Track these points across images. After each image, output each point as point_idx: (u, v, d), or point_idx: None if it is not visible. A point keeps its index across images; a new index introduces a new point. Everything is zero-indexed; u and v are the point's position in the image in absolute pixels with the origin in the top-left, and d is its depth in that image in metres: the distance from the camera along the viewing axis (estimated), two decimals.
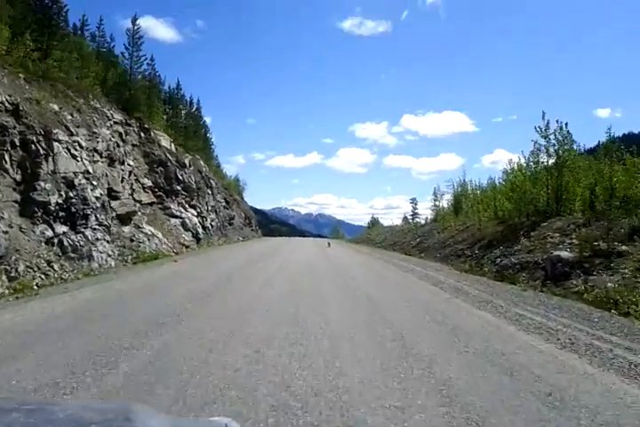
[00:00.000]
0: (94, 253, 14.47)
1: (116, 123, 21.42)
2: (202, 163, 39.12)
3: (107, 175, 17.96)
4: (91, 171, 15.94)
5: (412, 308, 8.07)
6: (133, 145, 26.07)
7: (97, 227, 15.25)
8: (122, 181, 19.65)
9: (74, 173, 14.89)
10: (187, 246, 25.59)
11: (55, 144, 14.43)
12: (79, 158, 15.44)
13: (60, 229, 13.73)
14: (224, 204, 44.61)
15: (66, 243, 13.68)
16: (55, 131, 14.67)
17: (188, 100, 43.61)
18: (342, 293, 9.78)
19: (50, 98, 16.53)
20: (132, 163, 22.07)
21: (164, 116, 34.74)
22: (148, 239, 20.39)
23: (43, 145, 14.04)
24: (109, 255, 15.35)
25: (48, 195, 13.51)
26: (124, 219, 19.05)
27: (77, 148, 15.60)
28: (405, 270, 15.05)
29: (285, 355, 4.85)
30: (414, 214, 55.23)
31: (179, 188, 29.39)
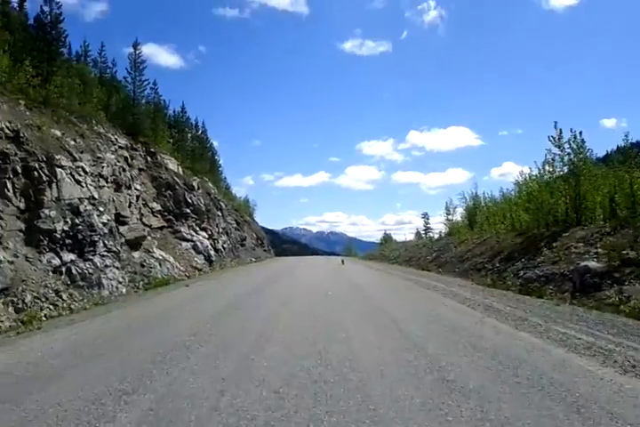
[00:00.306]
0: (104, 281, 13.94)
1: (120, 147, 21.11)
2: (210, 185, 38.80)
3: (113, 200, 17.54)
4: (96, 196, 15.52)
5: (445, 331, 7.33)
6: (140, 169, 25.75)
7: (105, 253, 14.76)
8: (129, 206, 19.23)
9: (79, 198, 14.47)
10: (199, 270, 25.04)
11: (58, 170, 14.05)
12: (84, 184, 15.04)
13: (68, 256, 13.26)
14: (235, 225, 44.19)
15: (74, 271, 13.18)
16: (58, 157, 14.29)
17: (194, 123, 43.60)
18: (364, 315, 9.09)
19: (51, 124, 16.22)
20: (139, 187, 21.69)
21: (170, 140, 34.50)
22: (160, 264, 19.87)
23: (45, 171, 13.65)
24: (120, 282, 14.82)
25: (53, 222, 13.07)
26: (134, 244, 18.56)
27: (81, 173, 15.20)
28: (428, 287, 14.33)
29: (309, 396, 4.20)
30: (427, 229, 54.60)
31: (188, 211, 28.97)
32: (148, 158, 27.61)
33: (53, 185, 13.71)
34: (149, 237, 22.85)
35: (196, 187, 31.49)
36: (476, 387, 4.31)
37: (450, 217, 35.15)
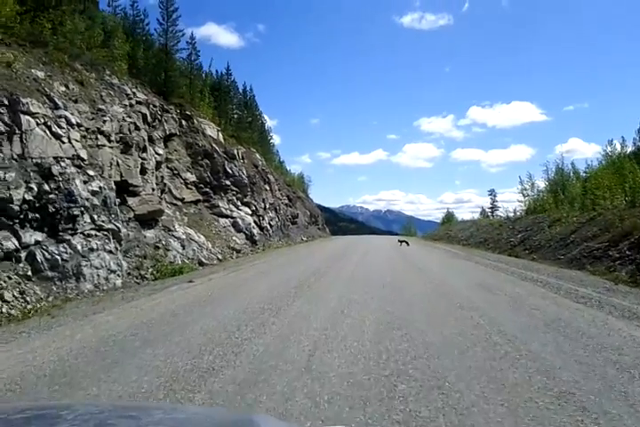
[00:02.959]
0: (85, 270, 10.17)
1: (139, 103, 17.23)
2: (258, 156, 34.85)
3: (118, 164, 13.72)
4: (84, 156, 11.64)
5: None
6: (172, 134, 22.09)
7: (93, 232, 10.95)
8: (143, 173, 15.40)
9: (55, 158, 10.61)
10: (238, 251, 21.25)
11: (25, 118, 10.22)
12: (65, 139, 11.17)
13: (31, 237, 9.52)
14: (286, 201, 40.35)
15: (39, 257, 9.46)
16: (26, 100, 10.44)
17: (241, 88, 39.47)
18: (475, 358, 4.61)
19: (35, 63, 12.47)
20: (161, 151, 17.88)
21: (211, 104, 30.64)
22: (183, 245, 16.09)
23: (5, 119, 9.87)
24: (112, 271, 11.04)
25: (9, 188, 9.27)
26: (147, 220, 14.80)
27: (63, 125, 11.33)
28: (576, 299, 8.38)
29: None
30: (493, 207, 49.65)
31: (228, 183, 25.13)
32: (183, 122, 23.90)
33: (15, 138, 9.90)
34: (177, 213, 19.18)
35: (238, 156, 27.57)
36: None
37: (526, 192, 29.96)
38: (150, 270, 12.93)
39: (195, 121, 24.84)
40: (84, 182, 11.16)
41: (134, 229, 13.88)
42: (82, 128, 12.33)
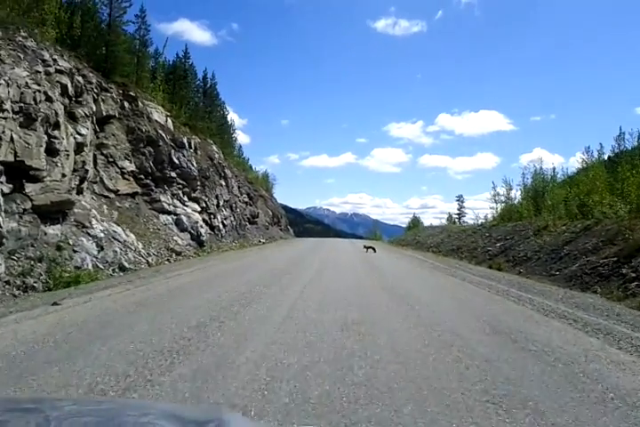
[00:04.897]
0: None
1: (59, 71, 14.20)
2: (215, 148, 31.88)
3: (12, 140, 10.71)
4: None
5: None
6: (110, 116, 19.12)
7: None
8: (53, 155, 12.38)
9: None
10: (178, 253, 18.35)
11: None
12: None
13: None
14: (246, 199, 37.51)
15: None
16: None
17: (202, 74, 36.35)
18: None
19: None
20: (85, 132, 14.82)
21: (164, 88, 27.61)
22: (101, 246, 13.17)
23: None
24: None
25: None
26: (51, 213, 11.84)
27: None
28: None
29: None
30: (460, 213, 49.09)
31: (173, 174, 22.19)
32: (125, 104, 20.87)
33: None
34: (104, 207, 16.23)
35: (188, 146, 24.57)
36: None
37: (501, 198, 28.30)
38: (42, 278, 10.02)
39: (139, 103, 21.83)
40: None
41: (30, 224, 10.90)
42: None
